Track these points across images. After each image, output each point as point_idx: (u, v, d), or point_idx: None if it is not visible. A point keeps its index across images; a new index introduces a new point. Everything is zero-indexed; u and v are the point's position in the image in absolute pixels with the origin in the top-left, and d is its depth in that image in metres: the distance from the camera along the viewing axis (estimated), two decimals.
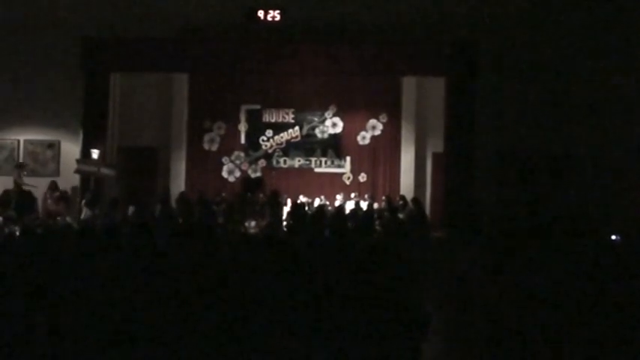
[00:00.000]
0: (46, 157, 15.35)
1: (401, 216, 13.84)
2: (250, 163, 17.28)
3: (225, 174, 17.32)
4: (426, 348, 3.92)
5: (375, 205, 15.24)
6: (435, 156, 16.39)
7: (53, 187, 14.25)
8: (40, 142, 15.36)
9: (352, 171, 17.25)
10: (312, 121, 17.30)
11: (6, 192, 13.93)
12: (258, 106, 17.32)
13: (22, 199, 13.58)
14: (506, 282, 7.85)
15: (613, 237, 10.61)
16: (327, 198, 15.91)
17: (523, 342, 6.03)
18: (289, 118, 17.32)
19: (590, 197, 14.17)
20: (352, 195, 15.95)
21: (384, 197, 15.46)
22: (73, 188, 14.68)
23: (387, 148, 17.26)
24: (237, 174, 17.30)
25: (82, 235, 6.69)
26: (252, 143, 17.36)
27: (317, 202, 15.37)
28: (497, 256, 9.16)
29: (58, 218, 12.93)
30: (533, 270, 7.95)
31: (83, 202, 13.31)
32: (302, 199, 15.40)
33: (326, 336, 3.98)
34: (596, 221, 13.07)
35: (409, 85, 16.96)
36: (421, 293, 4.86)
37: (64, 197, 13.96)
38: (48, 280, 4.88)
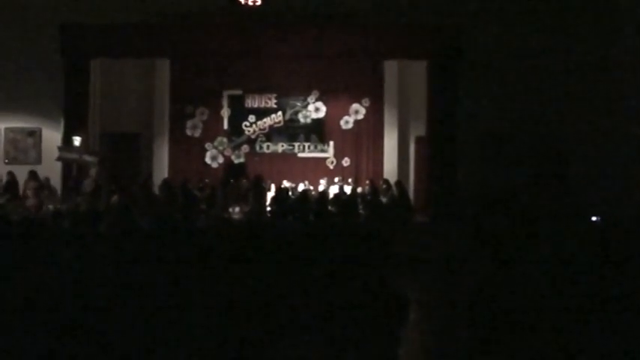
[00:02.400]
0: (27, 145, 15.21)
1: (384, 200, 13.90)
2: (233, 149, 17.24)
3: (208, 160, 17.26)
4: (405, 331, 3.95)
5: (359, 190, 15.28)
6: (418, 140, 16.41)
7: (33, 177, 14.05)
8: (21, 130, 15.22)
9: (336, 155, 17.24)
10: (294, 106, 17.26)
11: None
12: (240, 92, 17.25)
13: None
14: (490, 265, 7.90)
15: (593, 218, 10.69)
16: (310, 183, 15.90)
17: (507, 324, 6.07)
18: (272, 103, 17.27)
19: (574, 179, 14.26)
20: (336, 179, 15.96)
21: (367, 181, 15.50)
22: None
23: (370, 132, 17.27)
24: (221, 160, 17.25)
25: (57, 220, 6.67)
26: (235, 129, 17.30)
27: (301, 187, 15.37)
28: (480, 240, 9.21)
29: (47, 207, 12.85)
30: (517, 253, 8.00)
31: (65, 189, 13.28)
32: (286, 184, 15.39)
33: (306, 319, 4.00)
34: (581, 203, 13.17)
35: (391, 69, 16.95)
36: (403, 277, 4.88)
37: (45, 186, 13.81)
38: (24, 266, 4.86)
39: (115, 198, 13.12)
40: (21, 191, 13.83)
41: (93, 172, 14.13)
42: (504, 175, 14.35)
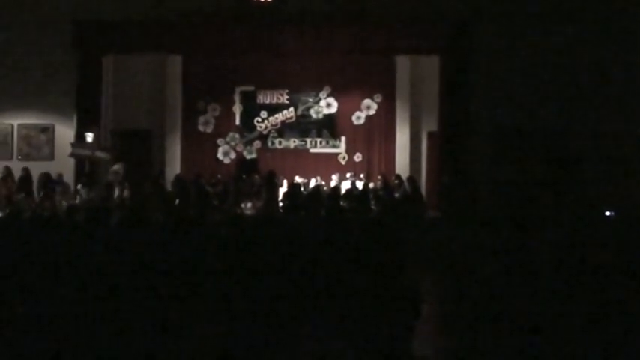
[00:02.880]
0: (41, 142, 15.28)
1: (396, 195, 13.87)
2: (245, 145, 17.25)
3: (220, 156, 17.29)
4: (419, 326, 3.94)
5: (371, 185, 15.26)
6: (430, 135, 16.36)
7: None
8: (34, 127, 15.29)
9: (347, 151, 17.22)
10: (306, 102, 17.25)
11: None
12: (252, 88, 17.27)
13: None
14: (503, 260, 7.88)
15: (607, 213, 10.65)
16: (322, 178, 15.88)
17: (520, 319, 6.05)
18: (284, 99, 17.27)
19: (587, 174, 14.17)
20: (348, 175, 15.93)
21: (379, 177, 15.49)
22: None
23: (382, 127, 17.23)
24: (233, 156, 17.27)
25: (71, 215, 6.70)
26: (247, 125, 17.31)
27: (313, 183, 15.37)
28: (493, 235, 9.19)
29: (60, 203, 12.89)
30: (530, 248, 7.98)
31: (79, 186, 13.33)
32: (298, 179, 15.35)
33: (319, 314, 4.00)
34: (594, 198, 13.11)
35: (403, 64, 16.89)
36: (416, 272, 4.87)
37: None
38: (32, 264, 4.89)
39: (126, 194, 13.17)
40: (35, 189, 13.85)
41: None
42: (517, 171, 14.30)
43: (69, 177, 14.30)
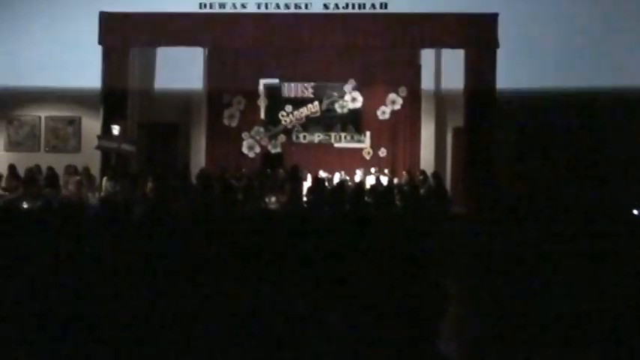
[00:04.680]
0: (67, 134, 15.43)
1: (421, 191, 13.81)
2: (270, 139, 17.27)
3: (245, 149, 17.32)
4: (445, 326, 3.91)
5: (396, 180, 15.21)
6: (456, 130, 16.27)
7: (71, 171, 14.21)
8: (61, 119, 15.44)
9: (372, 146, 17.17)
10: (331, 96, 17.22)
11: (30, 169, 13.96)
12: (277, 81, 17.27)
13: (50, 174, 13.71)
14: (529, 258, 7.81)
15: (635, 212, 10.52)
16: (347, 173, 15.83)
17: (546, 319, 5.99)
18: (308, 92, 17.25)
19: (614, 173, 14.03)
20: (372, 170, 15.89)
21: (404, 172, 15.43)
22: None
23: (407, 122, 17.15)
24: (257, 149, 17.30)
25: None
26: (272, 118, 17.32)
27: (337, 178, 15.34)
28: (518, 232, 9.11)
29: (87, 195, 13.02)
30: (556, 246, 7.90)
31: (104, 178, 13.43)
32: (322, 174, 15.35)
33: (344, 312, 3.98)
34: (620, 196, 12.97)
35: (428, 58, 16.80)
36: (441, 270, 4.83)
37: (87, 177, 13.89)
38: (65, 252, 4.91)
39: (150, 186, 13.25)
40: (62, 183, 13.97)
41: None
42: (542, 167, 14.19)
43: (95, 169, 14.40)
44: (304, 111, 17.23)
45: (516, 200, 13.10)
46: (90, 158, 14.57)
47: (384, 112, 17.18)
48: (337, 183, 14.13)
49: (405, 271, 3.97)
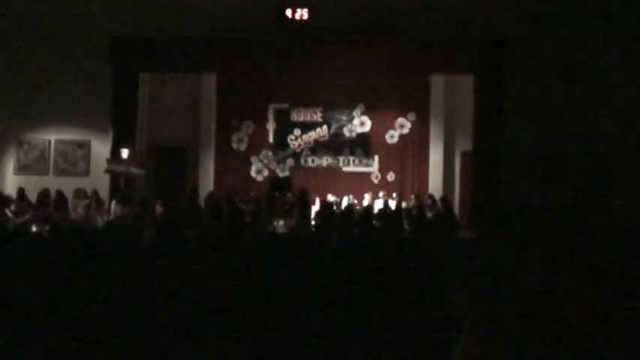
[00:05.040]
0: (77, 157, 15.46)
1: (429, 215, 13.77)
2: (278, 163, 17.30)
3: (253, 173, 17.34)
4: (458, 349, 3.88)
5: (404, 204, 15.17)
6: (464, 155, 16.27)
7: (80, 194, 14.21)
8: (71, 142, 15.49)
9: (380, 170, 17.16)
10: (340, 120, 17.26)
11: (43, 192, 13.95)
12: (286, 105, 17.32)
13: (59, 198, 13.70)
14: (537, 281, 7.78)
15: None
16: (355, 197, 15.84)
17: (554, 339, 5.97)
18: (317, 117, 17.29)
19: (621, 195, 13.98)
20: (380, 194, 15.85)
21: (412, 196, 15.41)
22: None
23: (415, 146, 17.16)
24: (266, 173, 17.31)
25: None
26: (281, 142, 17.36)
27: (345, 202, 15.33)
28: (526, 256, 9.08)
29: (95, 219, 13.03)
30: (563, 269, 7.87)
31: (113, 201, 13.45)
32: (330, 198, 15.36)
33: (355, 337, 3.95)
34: (628, 218, 12.93)
35: (437, 83, 16.86)
36: (452, 293, 4.81)
37: (95, 200, 13.90)
38: (73, 275, 4.91)
39: (159, 210, 13.27)
40: (70, 206, 13.97)
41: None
42: (550, 192, 14.15)
43: (104, 193, 14.41)
44: (313, 135, 17.25)
45: (525, 224, 13.06)
46: (99, 182, 14.60)
47: (392, 136, 17.20)
48: (345, 207, 14.10)
49: (415, 302, 3.95)
